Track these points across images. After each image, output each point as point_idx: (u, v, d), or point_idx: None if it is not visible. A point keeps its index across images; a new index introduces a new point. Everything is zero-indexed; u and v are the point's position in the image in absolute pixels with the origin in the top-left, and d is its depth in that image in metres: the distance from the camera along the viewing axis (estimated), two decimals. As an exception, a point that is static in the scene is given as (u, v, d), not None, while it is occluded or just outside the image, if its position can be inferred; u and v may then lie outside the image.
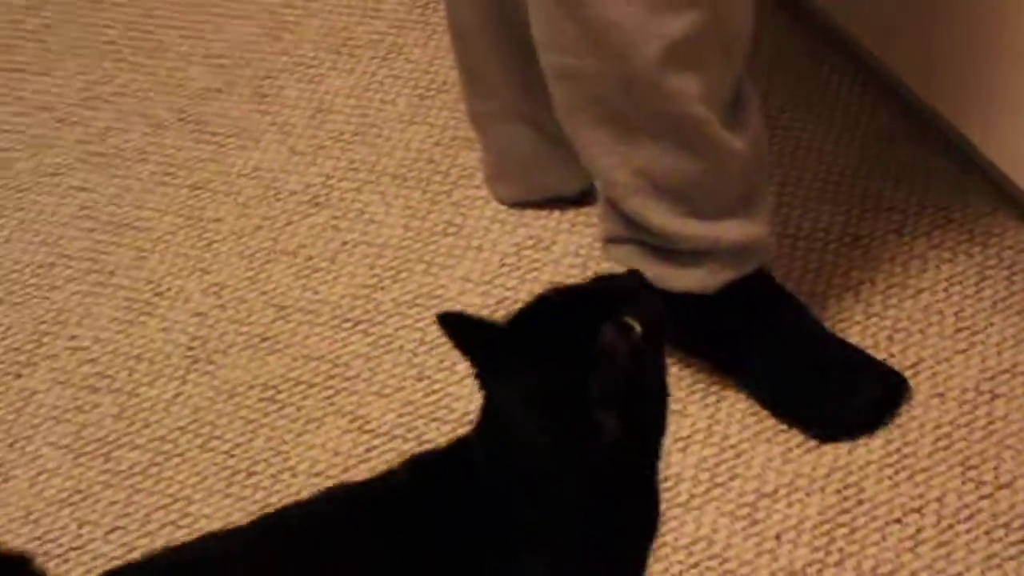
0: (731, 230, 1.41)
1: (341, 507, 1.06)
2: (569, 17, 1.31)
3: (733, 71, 1.37)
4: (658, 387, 1.04)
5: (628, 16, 1.28)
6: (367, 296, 1.62)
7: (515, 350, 1.01)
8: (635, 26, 1.28)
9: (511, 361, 1.01)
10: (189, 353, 1.59)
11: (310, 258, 1.66)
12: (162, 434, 1.52)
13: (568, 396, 0.97)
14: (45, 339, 1.62)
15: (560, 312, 1.02)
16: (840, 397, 1.46)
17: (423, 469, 1.07)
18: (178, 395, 1.55)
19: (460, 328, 1.05)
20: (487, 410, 1.04)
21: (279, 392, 1.55)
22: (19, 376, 1.59)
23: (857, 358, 1.48)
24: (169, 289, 1.65)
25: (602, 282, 1.05)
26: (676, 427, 1.45)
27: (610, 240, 1.49)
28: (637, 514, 1.06)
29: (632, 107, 1.34)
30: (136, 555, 1.43)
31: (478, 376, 1.04)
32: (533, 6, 1.35)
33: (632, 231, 1.44)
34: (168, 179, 1.76)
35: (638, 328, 0.99)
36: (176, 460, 1.50)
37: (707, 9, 1.29)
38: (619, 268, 1.45)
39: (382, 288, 1.62)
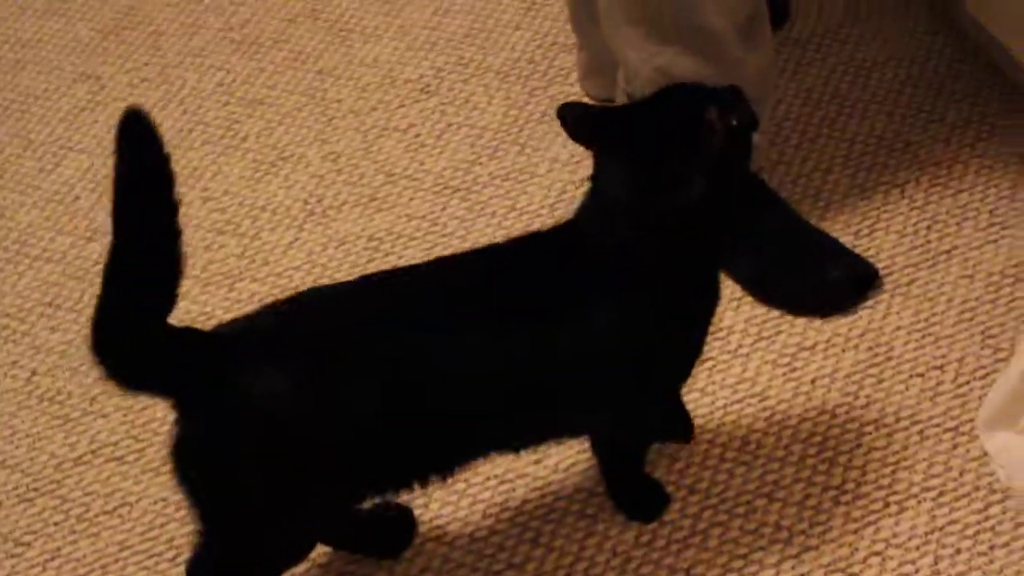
0: None
1: (447, 261, 1.28)
2: None
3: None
4: (740, 175, 1.25)
5: None
6: (467, 169, 1.82)
7: (625, 128, 1.22)
8: None
9: (620, 136, 1.22)
10: (307, 207, 1.80)
11: (418, 135, 1.87)
12: (279, 271, 1.73)
13: (668, 158, 1.19)
14: (181, 190, 1.81)
15: (671, 103, 1.23)
16: (808, 277, 1.63)
17: (525, 238, 1.29)
18: (295, 240, 1.77)
19: (576, 115, 1.26)
20: (594, 178, 1.25)
21: (383, 243, 1.75)
22: (157, 219, 1.82)
23: (831, 247, 1.65)
24: (292, 155, 1.87)
25: (708, 88, 1.26)
26: (731, 288, 1.64)
27: None
28: (701, 290, 1.27)
29: (663, 13, 1.54)
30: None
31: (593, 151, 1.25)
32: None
33: None
34: (298, 64, 1.98)
35: (735, 121, 1.21)
36: (290, 293, 1.71)
37: None
38: None
39: (480, 163, 1.82)
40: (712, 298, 1.30)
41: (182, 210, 1.76)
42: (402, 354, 1.18)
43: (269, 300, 1.66)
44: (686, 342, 1.32)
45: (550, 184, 1.78)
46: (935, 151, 1.76)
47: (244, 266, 1.75)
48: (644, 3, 1.55)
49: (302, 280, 1.71)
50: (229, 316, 1.67)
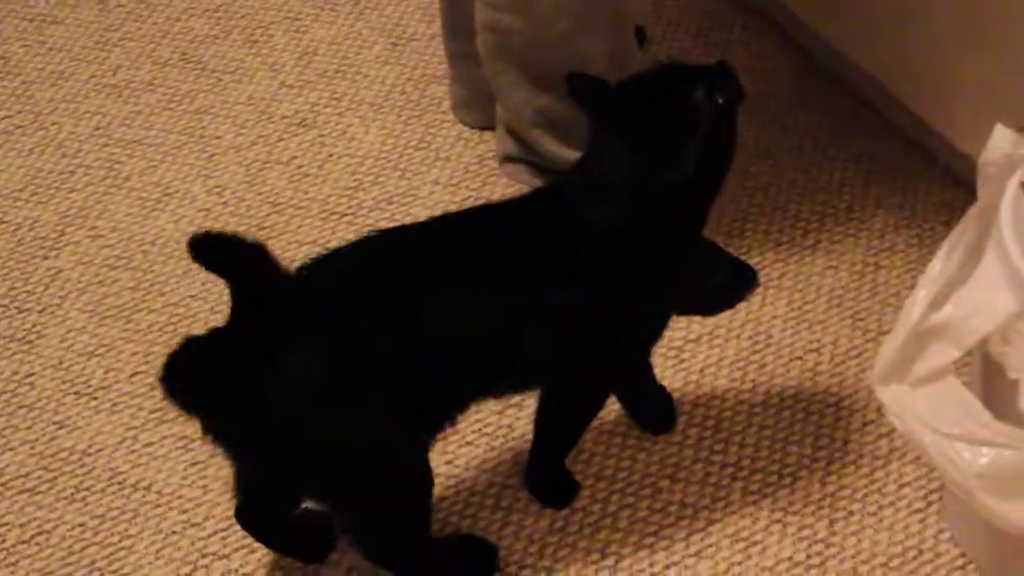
0: None
1: (444, 221, 1.38)
2: None
3: (625, 40, 1.68)
4: (727, 149, 1.37)
5: None
6: (350, 195, 1.88)
7: (621, 102, 1.33)
8: (552, 4, 1.60)
9: (616, 108, 1.32)
10: (197, 239, 1.84)
11: (300, 166, 1.92)
12: (175, 301, 1.77)
13: (660, 133, 1.29)
14: (68, 230, 1.87)
15: (663, 78, 1.34)
16: (695, 287, 1.72)
17: (517, 203, 1.38)
18: (188, 271, 1.80)
19: (581, 83, 1.36)
20: (590, 143, 1.35)
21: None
22: (45, 258, 1.83)
23: (710, 253, 1.75)
24: (177, 191, 1.91)
25: (701, 66, 1.36)
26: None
27: (507, 159, 1.82)
28: (681, 258, 1.38)
29: (544, 63, 1.66)
30: (158, 393, 1.67)
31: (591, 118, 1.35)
32: None
33: (526, 153, 1.78)
34: (173, 106, 2.02)
35: (721, 99, 1.32)
36: (188, 320, 1.75)
37: None
38: (513, 183, 1.81)
39: (363, 189, 1.89)
40: (689, 265, 1.41)
41: (71, 248, 1.81)
42: (408, 316, 1.27)
43: (168, 328, 1.72)
44: (662, 306, 1.43)
45: (433, 205, 1.85)
46: (791, 157, 1.89)
47: (140, 298, 1.78)
48: (523, 50, 1.67)
49: (199, 307, 1.76)
50: (129, 346, 1.73)
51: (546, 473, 1.54)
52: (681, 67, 1.36)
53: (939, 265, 1.29)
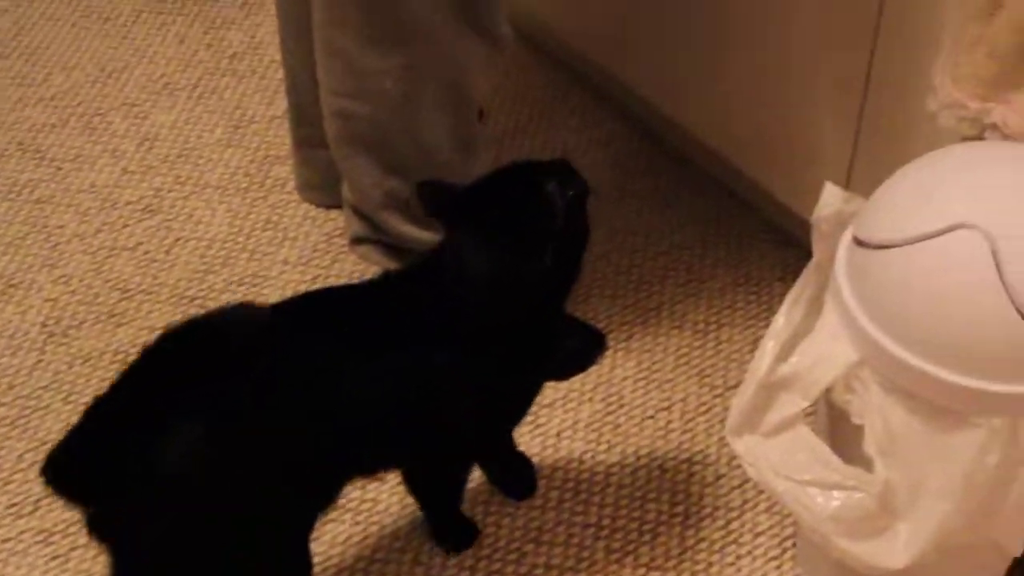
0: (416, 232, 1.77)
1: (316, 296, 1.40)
2: (341, 67, 1.67)
3: (470, 122, 1.74)
4: (581, 240, 1.43)
5: (397, 86, 1.64)
6: (200, 278, 1.88)
7: (474, 203, 1.37)
8: (401, 95, 1.65)
9: (471, 210, 1.37)
10: (45, 329, 1.82)
11: (147, 252, 1.92)
12: (27, 393, 1.75)
13: (518, 228, 1.34)
14: (-90, 326, 1.84)
15: (512, 177, 1.39)
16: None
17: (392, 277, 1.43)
18: (39, 362, 1.78)
19: (431, 192, 1.41)
20: (447, 244, 1.39)
21: (129, 355, 1.78)
22: None
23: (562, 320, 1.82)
24: (22, 282, 1.89)
25: (543, 163, 1.42)
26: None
27: (356, 240, 1.86)
28: (540, 344, 1.42)
29: (391, 147, 1.71)
30: (12, 487, 1.65)
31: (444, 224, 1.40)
32: (318, 56, 1.71)
33: (376, 234, 1.82)
34: (13, 196, 2.00)
35: (571, 191, 1.38)
36: (41, 412, 1.73)
37: (453, 80, 1.66)
38: (362, 264, 1.87)
39: (213, 272, 1.89)
40: (547, 351, 1.45)
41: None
42: (294, 391, 1.28)
43: (19, 422, 1.70)
44: (521, 390, 1.48)
45: (283, 285, 1.87)
46: (630, 221, 1.95)
47: (-12, 393, 1.76)
48: (371, 135, 1.71)
49: (51, 398, 1.74)
50: (-19, 442, 1.71)
51: (441, 523, 1.57)
52: (526, 165, 1.42)
53: (783, 319, 1.35)
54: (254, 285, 1.87)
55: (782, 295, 1.78)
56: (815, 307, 1.35)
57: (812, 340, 1.33)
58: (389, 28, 1.63)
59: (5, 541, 1.60)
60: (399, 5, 1.61)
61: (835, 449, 1.29)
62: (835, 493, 1.27)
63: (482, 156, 1.77)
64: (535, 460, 1.66)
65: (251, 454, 1.27)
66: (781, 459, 1.31)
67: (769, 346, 1.33)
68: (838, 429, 1.33)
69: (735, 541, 1.58)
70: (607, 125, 2.09)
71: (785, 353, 1.34)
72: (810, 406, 1.31)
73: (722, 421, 1.69)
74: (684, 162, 2.03)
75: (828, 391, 1.32)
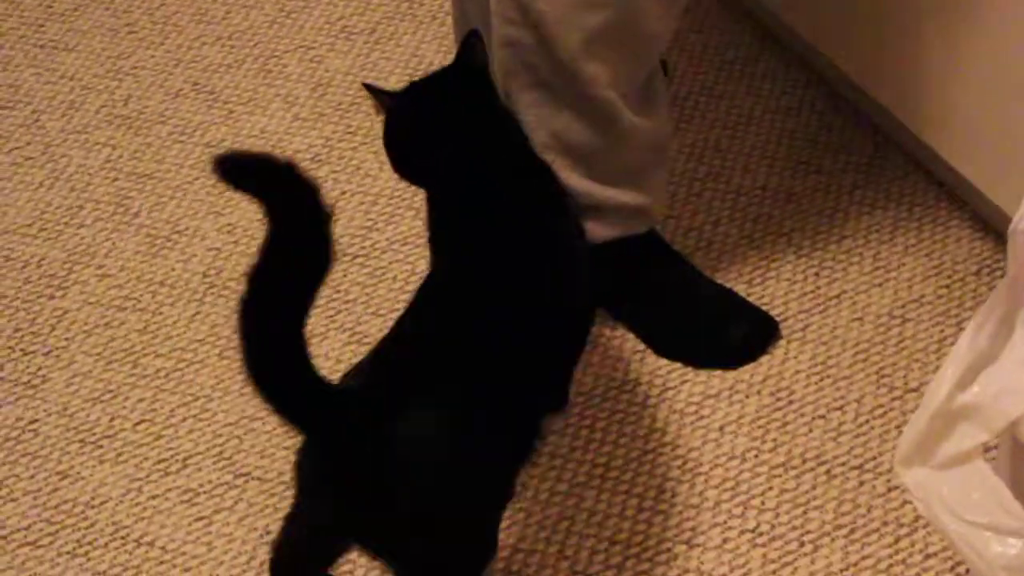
0: (621, 196, 1.64)
1: None
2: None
3: (645, 65, 1.60)
4: None
5: (553, 8, 1.51)
6: (364, 235, 1.84)
7: None
8: (558, 17, 1.52)
9: None
10: (206, 280, 1.80)
11: (313, 204, 1.88)
12: (183, 345, 1.73)
13: None
14: (76, 268, 1.83)
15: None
16: (713, 335, 1.69)
17: None
18: (197, 314, 1.76)
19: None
20: None
21: (286, 313, 1.76)
22: (52, 298, 1.79)
23: (731, 301, 1.71)
24: (187, 229, 1.87)
25: None
26: (634, 342, 1.69)
27: None
28: None
29: (556, 81, 1.58)
30: (163, 443, 1.64)
31: None
32: None
33: None
34: (184, 138, 1.98)
35: None
36: (196, 366, 1.71)
37: (622, 10, 1.51)
38: None
39: (377, 229, 1.84)
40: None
41: (79, 288, 1.77)
42: None
43: (174, 375, 1.69)
44: None
45: (448, 247, 1.82)
46: (816, 200, 1.84)
47: (147, 341, 1.74)
48: (536, 68, 1.60)
49: (207, 353, 1.72)
50: (136, 392, 1.69)
51: None
52: None
53: (967, 342, 1.23)
54: (417, 245, 1.81)
55: (976, 291, 1.69)
56: (1004, 330, 1.23)
57: (999, 367, 1.21)
58: None
59: (152, 498, 1.59)
60: None
61: (1016, 492, 1.18)
62: (1012, 540, 1.16)
63: (665, 120, 1.65)
64: (695, 455, 1.57)
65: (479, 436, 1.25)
66: (954, 497, 1.20)
67: (949, 372, 1.21)
68: (1022, 469, 1.22)
69: (903, 561, 1.48)
70: (799, 92, 1.97)
71: (967, 380, 1.22)
72: (992, 441, 1.20)
73: (899, 426, 1.58)
74: (881, 140, 1.90)
75: (1014, 425, 1.20)
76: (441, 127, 1.43)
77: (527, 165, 1.46)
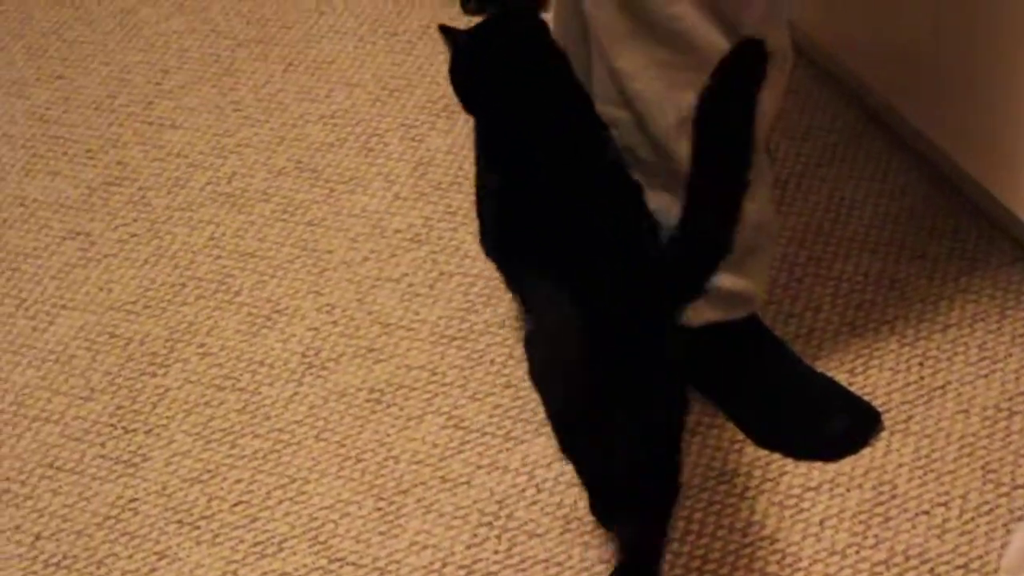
0: (724, 279, 1.60)
1: None
2: (608, 77, 1.56)
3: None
4: None
5: (648, 87, 1.51)
6: (462, 317, 1.84)
7: None
8: (654, 97, 1.52)
9: None
10: (304, 360, 1.81)
11: (411, 284, 1.89)
12: (280, 426, 1.74)
13: None
14: (178, 345, 1.85)
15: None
16: (813, 426, 1.66)
17: None
18: (295, 395, 1.77)
19: None
20: None
21: (384, 394, 1.76)
22: (154, 375, 1.82)
23: (833, 391, 1.67)
24: (287, 308, 1.88)
25: None
26: (732, 431, 1.66)
27: None
28: None
29: (654, 161, 1.58)
30: (259, 525, 1.65)
31: None
32: (593, 57, 1.60)
33: None
34: (287, 217, 2.00)
35: None
36: (293, 448, 1.72)
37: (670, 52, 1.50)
38: None
39: (475, 311, 1.84)
40: None
41: (180, 366, 1.79)
42: None
43: (271, 456, 1.69)
44: None
45: (546, 330, 1.81)
46: (920, 287, 1.81)
47: (245, 421, 1.75)
48: (634, 148, 1.58)
49: (304, 435, 1.72)
50: (233, 472, 1.70)
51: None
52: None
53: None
54: (515, 328, 1.81)
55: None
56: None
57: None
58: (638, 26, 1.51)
59: (247, 581, 1.60)
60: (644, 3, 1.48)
61: None
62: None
63: (768, 204, 1.63)
64: (794, 549, 1.55)
65: None
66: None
67: (1060, 481, 1.19)
68: None
69: (1009, 666, 1.44)
70: (903, 176, 1.94)
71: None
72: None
73: (1005, 524, 1.54)
74: (987, 225, 1.86)
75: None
76: (497, 64, 1.60)
77: (571, 99, 1.57)
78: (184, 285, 1.93)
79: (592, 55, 1.58)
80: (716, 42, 1.45)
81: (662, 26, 1.47)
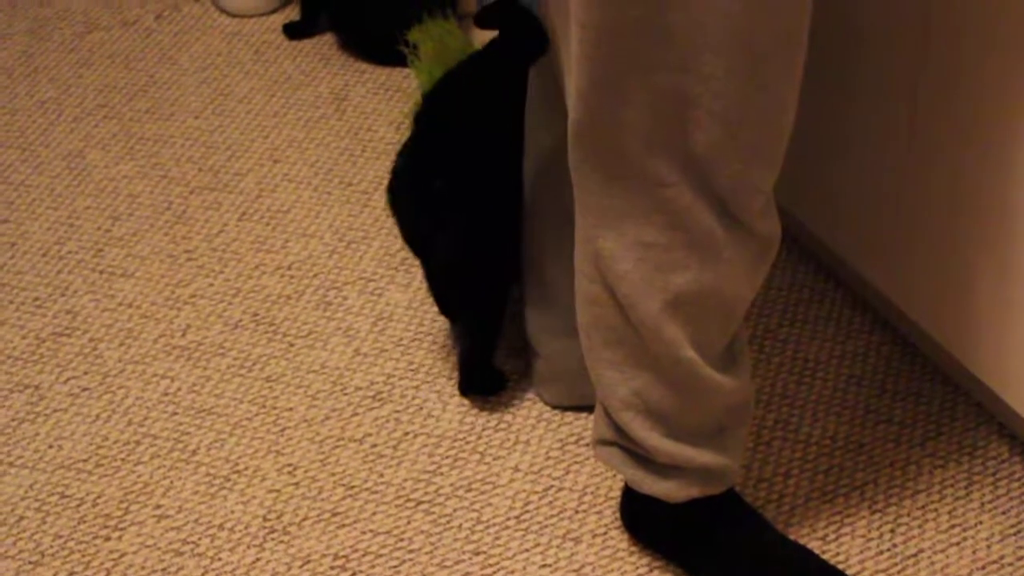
0: (703, 456, 1.60)
1: None
2: (592, 256, 1.55)
3: (729, 326, 1.57)
4: None
5: (635, 269, 1.50)
6: (428, 480, 1.80)
7: None
8: (640, 279, 1.50)
9: None
10: (266, 524, 1.76)
11: (375, 445, 1.85)
12: (243, 594, 1.70)
13: None
14: (133, 507, 1.79)
15: None
16: None
17: None
18: (256, 561, 1.72)
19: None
20: None
21: (349, 561, 1.72)
22: (108, 539, 1.76)
23: (806, 561, 1.65)
24: (247, 468, 1.84)
25: None
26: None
27: (599, 441, 1.69)
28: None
29: (637, 341, 1.56)
30: None
31: None
32: (576, 232, 1.58)
33: (618, 437, 1.65)
34: (244, 372, 1.96)
35: None
36: (256, 617, 1.67)
37: (705, 272, 1.50)
38: (600, 472, 1.78)
39: (440, 473, 1.81)
40: None
41: (135, 529, 1.74)
42: None
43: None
44: None
45: (513, 495, 1.77)
46: (888, 451, 1.81)
47: (205, 590, 1.70)
48: (617, 328, 1.58)
49: (268, 604, 1.68)
50: (194, 645, 1.65)
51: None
52: None
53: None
54: (482, 492, 1.78)
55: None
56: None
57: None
58: (628, 206, 1.50)
59: None
60: (636, 183, 1.48)
61: None
62: None
63: (747, 380, 1.61)
64: None
65: None
66: None
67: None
68: None
69: None
70: (864, 337, 1.96)
71: None
72: None
73: None
74: (951, 389, 1.88)
75: None
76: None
77: None
78: (138, 443, 1.88)
79: (575, 233, 1.58)
80: (710, 225, 1.46)
81: (653, 207, 1.47)
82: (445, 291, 1.87)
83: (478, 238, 1.83)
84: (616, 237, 1.48)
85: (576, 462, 1.82)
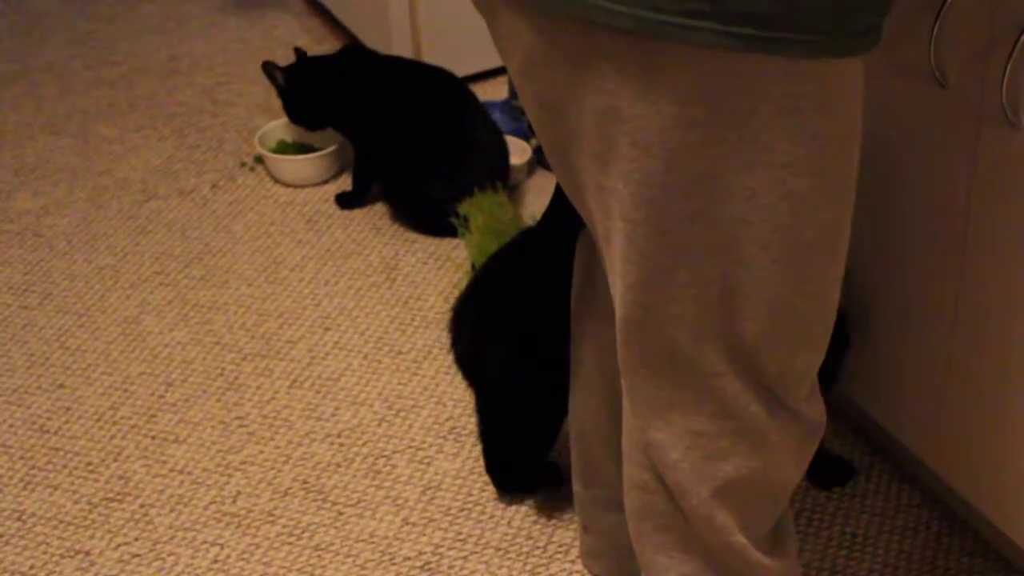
0: None
1: None
2: (642, 444, 1.55)
3: (776, 510, 1.58)
4: None
5: (685, 458, 1.50)
6: (475, 653, 1.80)
7: None
8: (690, 468, 1.51)
9: None
10: None
11: (423, 617, 1.86)
12: None
13: None
14: (180, 677, 1.80)
15: None
16: None
17: None
18: None
19: None
20: None
21: None
22: None
23: None
24: (294, 638, 1.84)
25: None
26: None
27: None
28: None
29: (686, 528, 1.56)
30: None
31: None
32: (624, 419, 1.59)
33: None
34: (293, 540, 1.97)
35: None
36: None
37: (754, 460, 1.50)
38: None
39: (489, 646, 1.81)
40: None
41: None
42: None
43: None
44: None
45: (562, 669, 1.77)
46: (939, 630, 1.80)
47: None
48: (666, 514, 1.58)
49: None
50: None
51: None
52: None
53: None
54: (531, 665, 1.78)
55: None
56: None
57: None
58: (677, 396, 1.51)
59: None
60: (685, 373, 1.48)
61: None
62: None
63: (794, 563, 1.60)
64: None
65: None
66: None
67: None
68: None
69: None
70: (914, 512, 1.95)
71: None
72: None
73: None
74: (1005, 565, 1.86)
75: None
76: None
77: None
78: (187, 611, 1.89)
79: (623, 428, 1.59)
80: (757, 412, 1.47)
81: (703, 396, 1.48)
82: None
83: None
84: (666, 426, 1.49)
85: (625, 637, 1.82)
